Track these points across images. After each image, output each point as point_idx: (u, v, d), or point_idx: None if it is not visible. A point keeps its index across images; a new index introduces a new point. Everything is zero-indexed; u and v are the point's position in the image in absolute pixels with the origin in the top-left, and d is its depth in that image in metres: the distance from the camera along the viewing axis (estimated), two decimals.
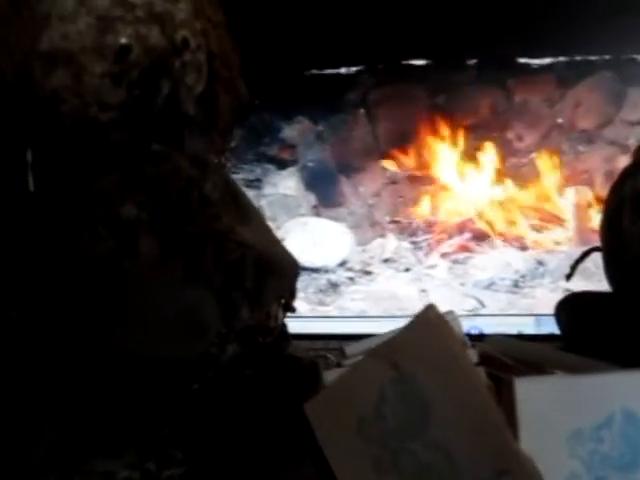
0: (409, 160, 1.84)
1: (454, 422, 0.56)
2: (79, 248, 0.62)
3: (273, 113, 1.83)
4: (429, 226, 1.78)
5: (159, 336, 0.63)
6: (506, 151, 1.80)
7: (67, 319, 0.62)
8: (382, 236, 1.78)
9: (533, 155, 1.79)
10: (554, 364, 0.68)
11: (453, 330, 0.61)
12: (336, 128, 1.87)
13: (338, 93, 1.84)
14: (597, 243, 0.87)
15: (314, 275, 1.66)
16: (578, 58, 1.75)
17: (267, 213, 1.73)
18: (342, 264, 1.72)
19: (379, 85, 1.85)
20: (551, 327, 0.93)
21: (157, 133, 0.65)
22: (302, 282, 0.76)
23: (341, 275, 1.69)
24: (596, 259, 0.87)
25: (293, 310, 0.74)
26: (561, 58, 1.76)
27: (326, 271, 1.69)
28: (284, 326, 0.75)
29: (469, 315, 1.41)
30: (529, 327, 1.21)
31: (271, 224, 0.79)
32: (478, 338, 0.86)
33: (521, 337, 1.05)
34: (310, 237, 1.72)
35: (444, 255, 1.70)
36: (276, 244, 0.74)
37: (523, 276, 1.61)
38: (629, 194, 0.80)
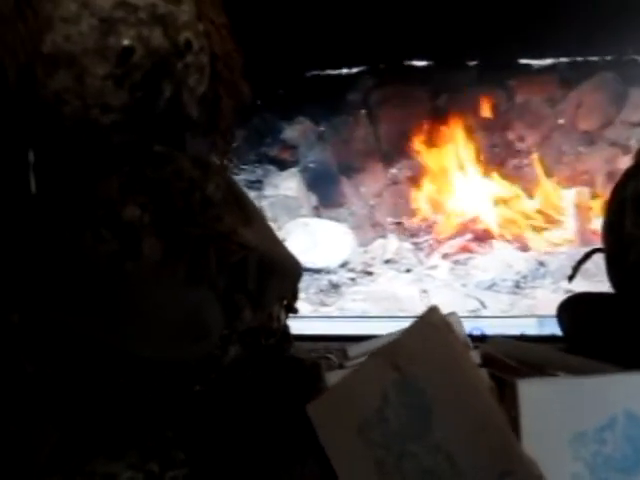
0: (410, 161, 1.84)
1: (457, 424, 0.56)
2: (82, 250, 0.62)
3: (274, 114, 1.84)
4: (430, 227, 1.78)
5: (161, 337, 0.63)
6: (507, 152, 1.80)
7: (69, 321, 0.62)
8: (383, 237, 1.78)
9: (534, 156, 1.79)
10: (556, 366, 0.68)
11: (456, 332, 0.61)
12: (337, 129, 1.87)
13: (339, 94, 1.84)
14: (598, 244, 0.87)
15: (315, 276, 1.66)
16: (579, 59, 1.75)
17: (268, 214, 1.73)
18: (343, 265, 1.72)
19: (380, 86, 1.85)
20: (553, 328, 0.94)
21: (159, 134, 0.65)
22: (303, 283, 0.76)
23: (342, 276, 1.69)
24: (597, 260, 0.87)
25: (295, 311, 0.75)
26: (562, 59, 1.76)
27: (327, 272, 1.69)
28: (286, 327, 0.75)
29: (471, 316, 1.41)
30: (531, 328, 1.20)
31: (272, 225, 0.79)
32: (480, 339, 0.86)
33: (523, 338, 1.05)
34: (311, 238, 1.72)
35: (445, 256, 1.70)
36: (278, 245, 0.74)
37: (524, 277, 1.61)
38: (631, 196, 0.80)
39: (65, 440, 0.64)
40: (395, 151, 1.85)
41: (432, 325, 0.58)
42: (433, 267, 1.68)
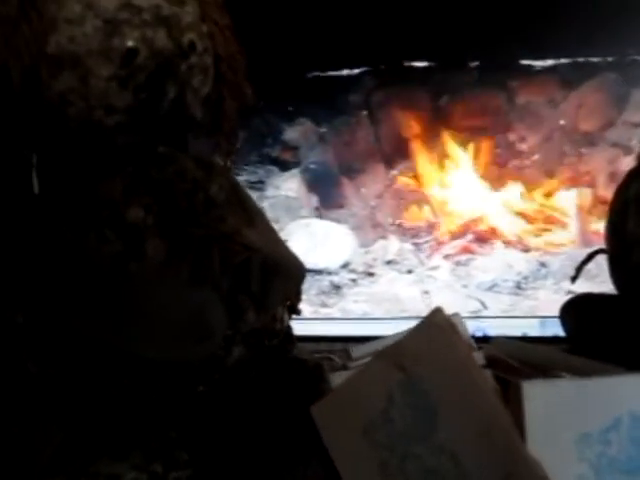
0: (411, 162, 1.84)
1: (461, 425, 0.56)
2: (85, 251, 0.62)
3: (275, 115, 1.83)
4: (431, 228, 1.78)
5: (165, 338, 0.63)
6: (509, 153, 1.80)
7: (73, 322, 0.62)
8: (384, 238, 1.78)
9: (536, 156, 1.79)
10: (560, 367, 0.68)
11: (460, 333, 0.61)
12: (338, 130, 1.87)
13: (340, 95, 1.84)
14: (599, 245, 0.87)
15: (316, 277, 1.65)
16: (581, 60, 1.74)
17: (269, 215, 1.71)
18: (344, 266, 1.71)
19: (381, 87, 1.84)
20: (555, 329, 0.94)
21: (162, 135, 0.65)
22: (304, 284, 0.77)
23: (343, 277, 1.69)
24: (599, 261, 0.87)
25: (298, 312, 0.75)
26: (563, 60, 1.76)
27: (328, 273, 1.69)
28: (289, 328, 0.75)
29: (472, 317, 1.41)
30: (533, 329, 1.20)
31: (273, 226, 0.79)
32: (482, 340, 0.86)
33: (525, 339, 1.05)
34: (312, 239, 1.72)
35: (446, 257, 1.70)
36: (282, 246, 0.74)
37: (525, 278, 1.61)
38: (634, 196, 0.80)
39: (69, 441, 0.64)
40: (396, 152, 1.85)
41: (437, 326, 0.58)
42: (434, 268, 1.67)
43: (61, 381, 0.63)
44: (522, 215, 1.74)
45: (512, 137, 1.81)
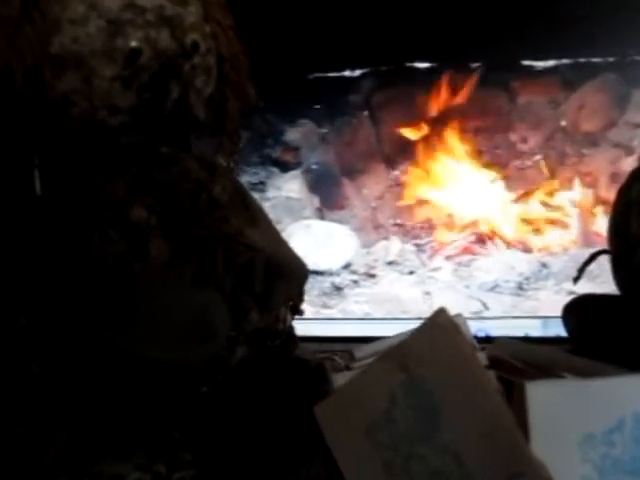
0: (413, 162, 1.84)
1: (465, 425, 0.56)
2: (89, 251, 0.62)
3: (276, 116, 1.83)
4: (433, 229, 1.78)
5: (168, 338, 0.63)
6: (510, 153, 1.80)
7: (76, 322, 0.62)
8: (386, 239, 1.78)
9: (537, 157, 1.79)
10: (563, 367, 0.68)
11: (464, 334, 0.61)
12: (340, 131, 1.87)
13: (342, 96, 1.84)
14: (601, 245, 0.87)
15: (318, 278, 1.65)
16: (582, 60, 1.74)
17: (271, 216, 1.72)
18: (346, 267, 1.71)
19: (383, 88, 1.84)
20: (557, 329, 0.93)
21: (165, 136, 0.65)
22: (306, 285, 0.77)
23: (345, 278, 1.69)
24: (601, 261, 0.87)
25: (301, 313, 0.75)
26: (565, 60, 1.76)
27: (330, 274, 1.68)
28: (291, 329, 0.75)
29: (475, 318, 1.41)
30: (535, 329, 1.20)
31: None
32: (484, 340, 0.86)
33: (528, 340, 1.05)
34: (314, 240, 1.72)
35: (448, 258, 1.70)
36: (285, 247, 0.74)
37: (527, 278, 1.61)
38: (636, 197, 0.80)
39: (72, 441, 0.64)
40: (397, 153, 1.85)
41: (440, 327, 0.58)
42: (436, 269, 1.67)
43: (64, 381, 0.63)
44: (523, 216, 1.74)
45: (513, 137, 1.81)
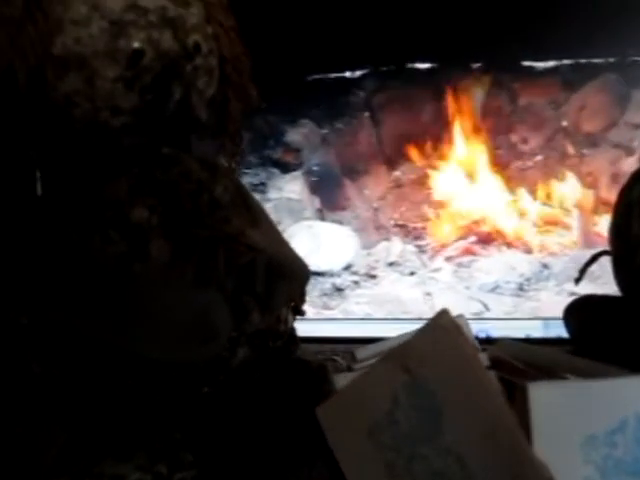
0: (414, 163, 1.84)
1: (467, 426, 0.56)
2: (90, 251, 0.62)
3: (277, 117, 1.83)
4: (434, 229, 1.78)
5: (170, 339, 0.63)
6: (511, 154, 1.80)
7: (77, 322, 0.62)
8: (387, 239, 1.78)
9: (538, 158, 1.79)
10: (564, 368, 0.68)
11: (466, 335, 0.61)
12: (341, 131, 1.87)
13: (342, 96, 1.84)
14: (602, 246, 0.87)
15: (319, 279, 1.65)
16: (582, 61, 1.74)
17: (272, 217, 1.72)
18: (347, 268, 1.71)
19: (383, 88, 1.85)
20: (559, 330, 0.93)
21: (167, 136, 0.65)
22: (307, 285, 0.77)
23: (346, 279, 1.69)
24: (602, 262, 0.86)
25: (302, 314, 0.74)
26: (565, 61, 1.76)
27: (331, 275, 1.68)
28: (293, 329, 0.75)
29: (476, 319, 1.41)
30: (536, 330, 1.20)
31: None
32: (485, 342, 0.86)
33: (529, 341, 1.05)
34: (315, 241, 1.72)
35: (449, 258, 1.70)
36: (286, 247, 0.74)
37: (528, 279, 1.61)
38: (638, 198, 0.80)
39: (73, 441, 0.64)
40: (398, 154, 1.85)
41: (442, 328, 0.58)
42: (437, 270, 1.67)
43: (65, 382, 0.63)
44: (524, 216, 1.74)
45: (514, 138, 1.81)
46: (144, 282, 0.63)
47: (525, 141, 1.81)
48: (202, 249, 0.64)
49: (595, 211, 1.71)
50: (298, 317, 0.75)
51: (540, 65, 1.78)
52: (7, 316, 0.62)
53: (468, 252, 1.70)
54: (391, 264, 1.71)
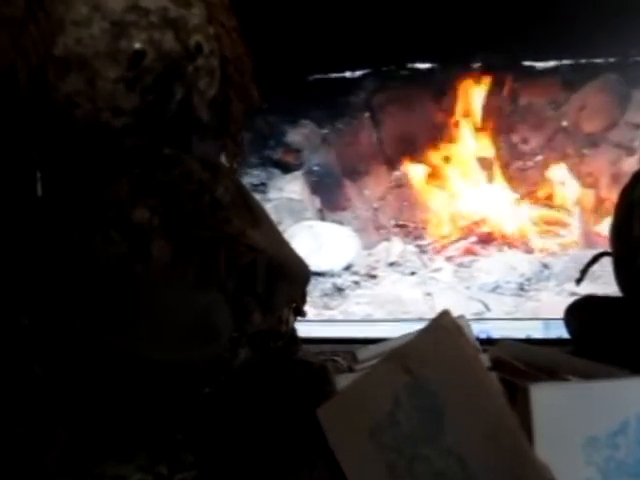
0: (414, 163, 1.84)
1: (469, 427, 0.56)
2: (91, 252, 0.62)
3: (278, 117, 1.83)
4: (434, 229, 1.78)
5: (171, 340, 0.63)
6: (511, 154, 1.80)
7: (79, 323, 0.62)
8: (387, 240, 1.78)
9: (538, 158, 1.79)
10: (565, 369, 0.68)
11: (467, 336, 0.61)
12: (341, 132, 1.87)
13: (343, 97, 1.84)
14: (602, 246, 0.87)
15: (319, 279, 1.65)
16: (583, 61, 1.74)
17: (272, 217, 1.72)
18: (347, 268, 1.71)
19: (384, 88, 1.85)
20: (559, 331, 0.93)
21: (168, 137, 0.65)
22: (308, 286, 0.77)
23: (346, 279, 1.69)
24: (602, 262, 0.86)
25: (303, 314, 0.74)
26: (566, 61, 1.76)
27: (331, 275, 1.68)
28: (294, 330, 0.75)
29: (477, 319, 1.41)
30: (537, 331, 1.20)
31: None
32: (486, 342, 0.86)
33: (529, 341, 1.05)
34: (315, 241, 1.72)
35: (449, 258, 1.70)
36: (287, 248, 0.74)
37: (528, 279, 1.61)
38: (639, 199, 0.79)
39: (74, 442, 0.64)
40: (399, 154, 1.85)
41: (444, 328, 0.58)
42: (437, 270, 1.68)
43: (66, 382, 0.63)
44: (525, 216, 1.74)
45: (514, 138, 1.81)
46: (145, 283, 0.63)
47: (525, 141, 1.81)
48: (203, 250, 0.64)
49: (595, 211, 1.71)
50: (299, 318, 0.75)
51: (540, 65, 1.78)
52: (8, 316, 0.62)
53: (468, 252, 1.70)
54: (391, 264, 1.71)
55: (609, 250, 0.84)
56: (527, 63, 1.77)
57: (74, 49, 0.57)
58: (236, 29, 0.65)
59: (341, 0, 1.56)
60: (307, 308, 0.75)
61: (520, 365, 0.67)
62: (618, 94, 1.75)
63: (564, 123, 1.80)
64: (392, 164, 1.86)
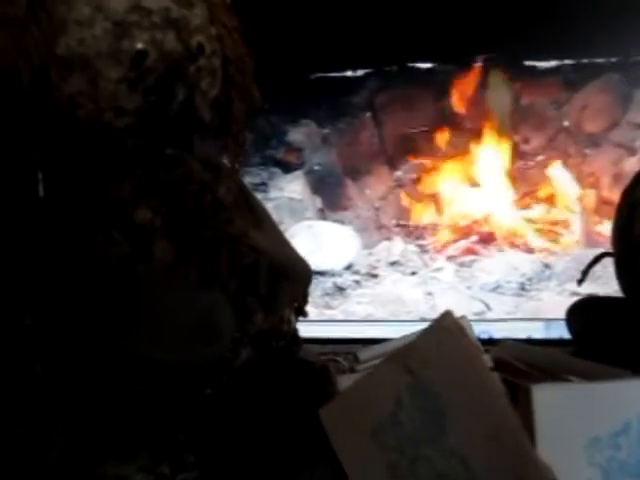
0: (416, 163, 1.84)
1: (471, 428, 0.56)
2: (93, 252, 0.62)
3: (279, 116, 1.83)
4: (435, 229, 1.78)
5: (173, 340, 0.63)
6: (513, 154, 1.80)
7: (81, 323, 0.62)
8: (388, 239, 1.78)
9: (540, 158, 1.79)
10: (566, 370, 0.68)
11: (470, 337, 0.61)
12: (342, 131, 1.87)
13: (344, 96, 1.84)
14: (603, 246, 0.87)
15: (320, 278, 1.65)
16: (585, 60, 1.74)
17: (273, 216, 1.72)
18: (348, 267, 1.71)
19: (385, 88, 1.85)
20: (561, 331, 0.93)
21: (170, 137, 0.65)
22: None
23: (347, 278, 1.69)
24: (603, 262, 0.86)
25: (305, 315, 0.74)
26: (567, 61, 1.76)
27: (332, 274, 1.69)
28: (295, 330, 0.75)
29: (479, 320, 1.40)
30: (538, 331, 1.20)
31: None
32: (487, 342, 0.86)
33: (530, 342, 1.05)
34: (316, 240, 1.72)
35: (450, 258, 1.70)
36: (289, 248, 0.74)
37: (529, 279, 1.61)
38: None
39: (76, 442, 0.64)
40: (400, 153, 1.85)
41: (446, 329, 0.58)
42: (438, 269, 1.67)
43: (68, 383, 0.63)
44: (526, 216, 1.74)
45: (516, 138, 1.80)
46: (147, 283, 0.63)
47: (527, 141, 1.81)
48: (205, 250, 0.64)
49: (597, 211, 1.71)
50: (301, 318, 0.75)
51: (542, 65, 1.78)
52: (11, 317, 0.62)
53: (469, 252, 1.70)
54: (392, 264, 1.71)
55: (610, 250, 0.84)
56: (529, 63, 1.77)
57: (76, 49, 0.57)
58: (238, 29, 0.65)
59: (343, 0, 1.56)
60: (308, 308, 0.75)
61: (522, 366, 0.67)
62: (620, 94, 1.75)
63: (565, 123, 1.80)
64: (393, 163, 1.86)
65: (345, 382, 0.67)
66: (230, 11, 0.65)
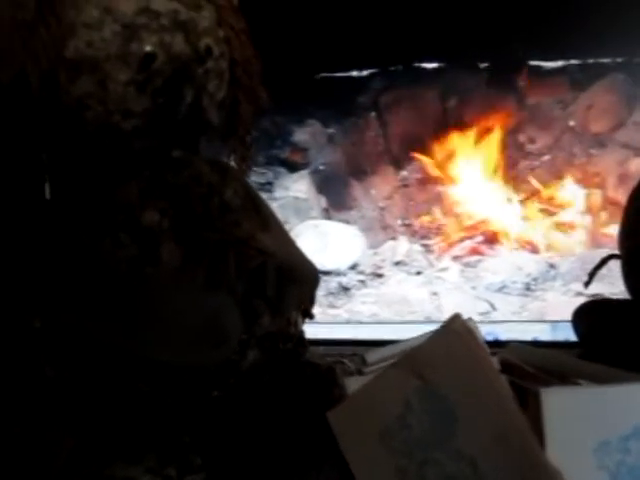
0: (421, 163, 1.84)
1: (480, 430, 0.56)
2: (101, 255, 0.62)
3: (284, 116, 1.84)
4: (440, 229, 1.78)
5: (180, 342, 0.63)
6: (518, 154, 1.79)
7: (89, 326, 0.62)
8: (393, 239, 1.78)
9: (545, 158, 1.78)
10: (574, 373, 0.68)
11: (478, 340, 0.61)
12: (347, 131, 1.87)
13: (349, 96, 1.84)
14: (609, 246, 0.87)
15: (325, 278, 1.65)
16: (590, 61, 1.74)
17: (279, 216, 1.72)
18: (353, 267, 1.72)
19: (390, 88, 1.85)
20: (567, 333, 0.93)
21: (176, 139, 0.65)
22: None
23: (352, 278, 1.69)
24: (609, 263, 0.86)
25: (311, 317, 0.74)
26: (573, 61, 1.76)
27: (337, 274, 1.69)
28: (302, 332, 0.75)
29: (485, 322, 1.40)
30: (544, 333, 1.20)
31: None
32: (494, 344, 0.86)
33: (536, 344, 1.05)
34: (321, 240, 1.72)
35: (455, 258, 1.70)
36: (296, 251, 0.74)
37: (535, 279, 1.61)
38: None
39: (84, 444, 0.64)
40: (405, 153, 1.85)
41: (455, 332, 0.58)
42: (443, 269, 1.67)
43: (77, 384, 0.63)
44: (531, 216, 1.74)
45: (522, 138, 1.80)
46: (155, 286, 0.63)
47: (532, 141, 1.80)
48: (213, 252, 0.64)
49: (602, 211, 1.70)
50: (307, 320, 0.75)
51: (548, 65, 1.77)
52: (20, 319, 0.62)
53: (475, 252, 1.70)
54: (397, 263, 1.71)
55: (617, 252, 0.84)
56: (534, 63, 1.77)
57: (85, 52, 0.57)
58: (245, 31, 0.65)
59: (348, 0, 1.56)
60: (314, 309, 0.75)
61: (529, 368, 0.67)
62: (626, 94, 1.75)
63: (571, 123, 1.79)
64: (398, 163, 1.86)
65: (353, 384, 0.67)
66: (237, 13, 0.65)
